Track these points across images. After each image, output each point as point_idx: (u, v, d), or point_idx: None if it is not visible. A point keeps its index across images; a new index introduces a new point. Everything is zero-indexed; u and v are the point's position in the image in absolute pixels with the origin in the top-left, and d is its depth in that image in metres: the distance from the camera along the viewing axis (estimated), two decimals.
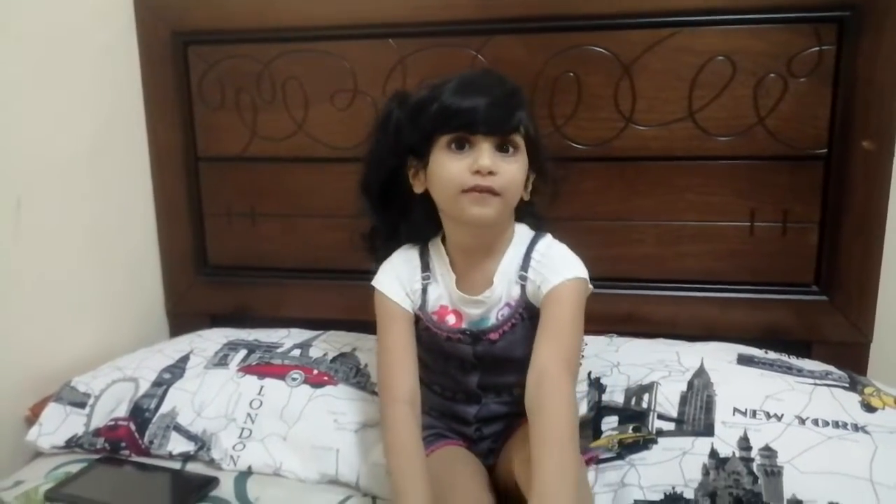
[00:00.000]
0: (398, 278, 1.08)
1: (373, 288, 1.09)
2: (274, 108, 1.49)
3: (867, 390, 1.12)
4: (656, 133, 1.35)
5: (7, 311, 1.29)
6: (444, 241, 1.09)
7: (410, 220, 1.10)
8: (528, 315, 1.05)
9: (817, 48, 1.28)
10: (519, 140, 1.01)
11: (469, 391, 1.10)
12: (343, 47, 1.45)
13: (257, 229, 1.57)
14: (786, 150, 1.31)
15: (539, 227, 1.10)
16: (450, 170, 0.99)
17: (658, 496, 1.00)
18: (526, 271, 1.05)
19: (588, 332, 1.31)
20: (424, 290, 1.08)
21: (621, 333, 1.37)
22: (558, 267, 1.02)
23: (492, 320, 1.06)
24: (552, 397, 0.90)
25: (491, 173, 0.97)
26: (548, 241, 1.07)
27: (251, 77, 1.49)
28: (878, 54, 1.25)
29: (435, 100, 1.00)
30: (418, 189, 1.06)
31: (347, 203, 1.46)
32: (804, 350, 1.33)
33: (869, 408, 1.08)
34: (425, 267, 1.09)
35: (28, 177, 1.31)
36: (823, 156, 1.31)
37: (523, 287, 1.05)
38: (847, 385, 1.13)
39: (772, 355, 1.24)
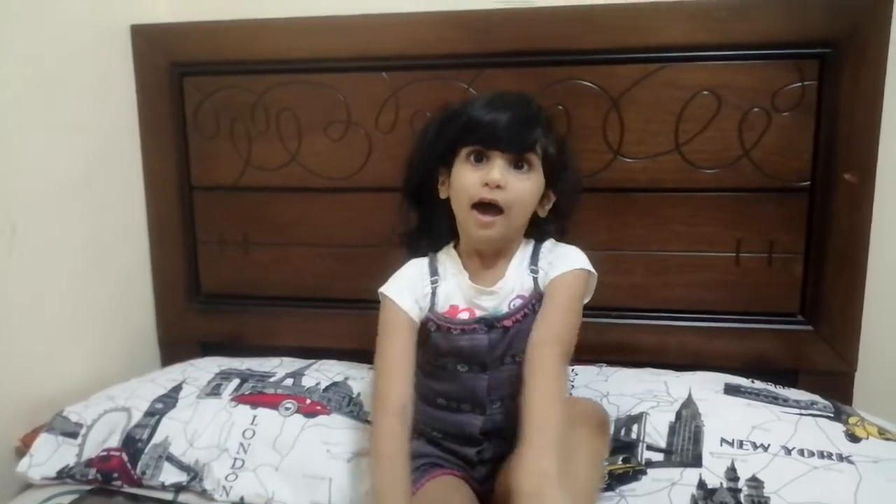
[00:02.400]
0: (409, 287, 1.12)
1: (380, 295, 1.11)
2: (267, 139, 1.51)
3: (851, 420, 1.14)
4: (644, 165, 1.38)
5: None
6: (455, 246, 1.16)
7: (433, 219, 1.17)
8: (540, 307, 1.09)
9: (800, 84, 1.31)
10: (534, 158, 1.07)
11: (475, 397, 1.10)
12: (336, 79, 1.47)
13: (250, 257, 1.58)
14: (771, 182, 1.34)
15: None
16: (465, 180, 1.07)
17: None
18: (536, 264, 1.11)
19: (579, 361, 1.37)
20: (434, 293, 1.12)
21: (611, 363, 1.39)
22: (564, 258, 1.11)
23: (504, 309, 1.10)
24: (540, 364, 0.99)
25: (499, 187, 1.03)
26: (553, 241, 1.15)
27: (245, 107, 1.51)
28: (858, 89, 1.29)
29: (463, 113, 1.08)
30: (443, 195, 1.13)
31: (339, 232, 1.51)
32: (790, 379, 1.35)
33: (853, 438, 1.09)
34: (434, 272, 1.14)
35: (22, 203, 1.31)
36: (807, 188, 1.34)
37: (535, 279, 1.11)
38: (832, 415, 1.15)
39: (758, 384, 1.26)
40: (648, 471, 1.08)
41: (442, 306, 1.11)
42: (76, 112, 1.43)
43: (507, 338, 1.08)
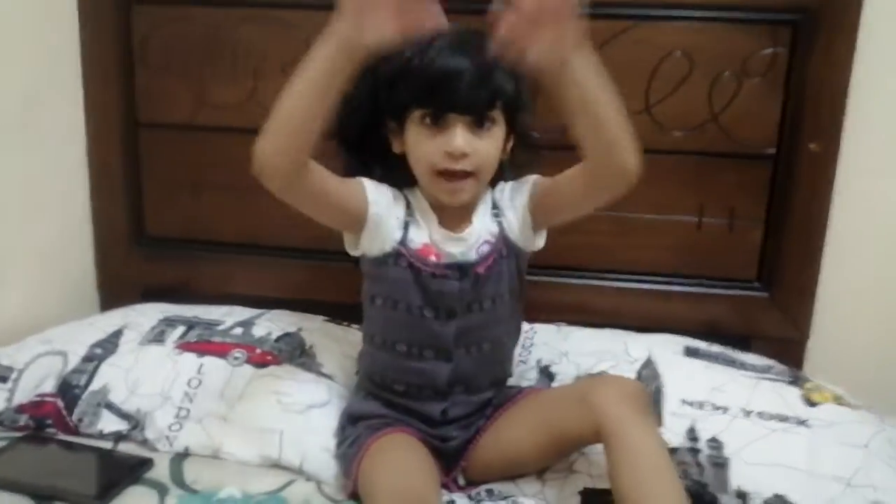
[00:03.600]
0: (387, 195, 1.04)
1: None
2: (223, 77, 1.42)
3: (808, 385, 1.15)
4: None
5: None
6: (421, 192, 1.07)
7: (387, 168, 1.07)
8: (507, 252, 1.06)
9: (771, 50, 1.30)
10: (496, 114, 0.99)
11: (441, 345, 1.05)
12: (302, 17, 1.38)
13: (201, 202, 1.50)
14: (736, 148, 1.33)
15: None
16: (423, 149, 0.99)
17: (607, 484, 1.00)
18: (498, 206, 1.07)
19: (537, 320, 1.35)
20: (406, 226, 1.05)
21: (570, 322, 1.37)
22: (516, 183, 1.08)
23: (473, 256, 1.04)
24: None
25: (464, 155, 0.96)
26: (501, 183, 1.09)
27: (200, 41, 1.42)
28: (830, 58, 1.28)
29: (410, 66, 0.97)
30: (397, 149, 1.05)
31: None
32: (743, 345, 1.35)
33: (810, 402, 1.11)
34: (407, 205, 1.06)
35: None
36: (772, 155, 1.34)
37: (500, 223, 1.06)
38: (789, 380, 1.17)
39: (715, 348, 1.26)
40: None
41: (414, 243, 1.04)
42: (11, 43, 1.32)
43: (477, 285, 1.04)
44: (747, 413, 1.07)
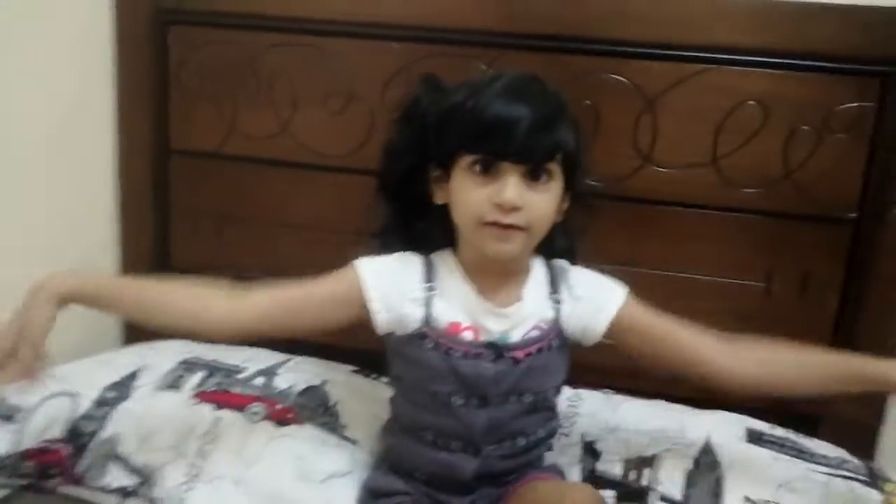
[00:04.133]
0: (387, 278, 0.94)
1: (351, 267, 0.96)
2: (257, 104, 1.36)
3: (888, 487, 1.04)
4: (675, 175, 1.25)
5: None
6: (453, 253, 0.97)
7: (425, 223, 0.97)
8: (558, 344, 0.95)
9: (857, 103, 1.18)
10: (554, 167, 0.88)
11: (470, 435, 0.94)
12: (341, 45, 1.32)
13: (225, 234, 1.43)
14: (813, 209, 1.22)
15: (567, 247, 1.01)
16: (470, 197, 0.88)
17: None
18: (557, 292, 0.96)
19: (584, 382, 1.24)
20: (428, 303, 0.94)
21: (620, 389, 1.26)
22: (598, 288, 0.98)
23: (516, 338, 0.93)
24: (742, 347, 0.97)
25: (515, 208, 0.85)
26: (564, 263, 0.99)
27: (235, 67, 1.36)
28: None
29: (462, 109, 0.87)
30: (439, 200, 0.94)
31: (329, 217, 1.36)
32: (811, 426, 1.23)
33: None
34: (428, 279, 0.95)
35: None
36: (853, 219, 1.21)
37: (557, 310, 0.95)
38: (866, 479, 1.05)
39: (779, 432, 1.15)
40: None
41: (440, 322, 0.94)
42: (47, 64, 1.28)
43: (516, 372, 0.93)
44: None
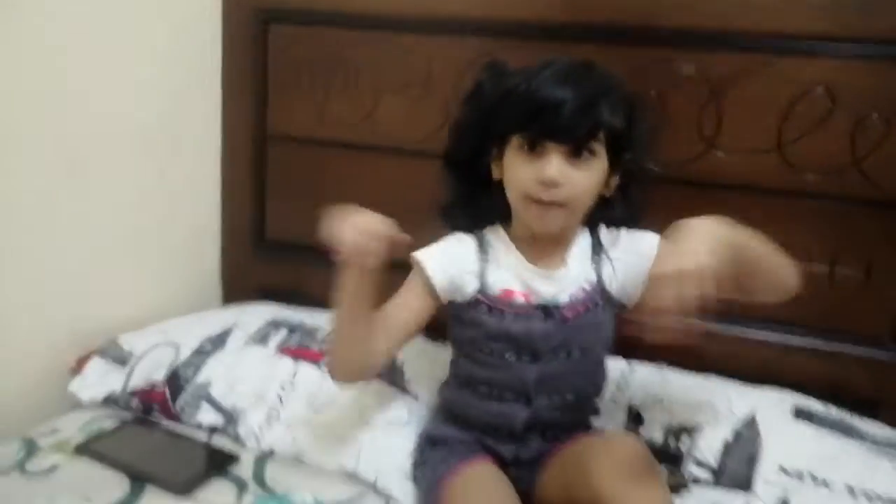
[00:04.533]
0: (448, 260, 1.04)
1: (412, 260, 1.05)
2: (345, 94, 1.48)
3: None
4: (738, 161, 1.27)
5: (66, 265, 1.32)
6: (505, 230, 1.06)
7: (486, 199, 1.06)
8: (603, 302, 1.02)
9: None
10: (596, 145, 0.95)
11: (522, 387, 1.02)
12: (421, 41, 1.42)
13: (316, 211, 1.56)
14: (879, 196, 1.21)
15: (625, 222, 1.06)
16: (518, 174, 0.97)
17: None
18: (599, 255, 1.03)
19: (638, 356, 1.29)
20: (483, 274, 1.03)
21: (673, 363, 1.29)
22: (640, 237, 1.03)
23: (564, 298, 1.01)
24: None
25: (556, 184, 0.93)
26: (604, 229, 1.06)
27: (326, 60, 1.48)
28: None
29: (515, 92, 0.96)
30: (496, 176, 1.04)
31: (405, 197, 1.45)
32: (871, 411, 1.22)
33: None
34: (483, 251, 1.05)
35: (99, 137, 1.34)
36: None
37: (599, 272, 1.02)
38: None
39: (834, 412, 1.15)
40: (694, 489, 1.00)
41: (494, 290, 1.02)
42: (161, 53, 1.44)
43: (564, 330, 1.00)
44: (853, 492, 0.96)
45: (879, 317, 1.25)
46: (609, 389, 1.23)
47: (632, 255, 1.01)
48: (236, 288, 1.65)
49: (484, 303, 1.02)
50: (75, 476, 1.07)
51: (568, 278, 1.02)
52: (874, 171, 1.21)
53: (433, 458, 1.07)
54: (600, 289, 1.02)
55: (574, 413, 1.06)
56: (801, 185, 1.24)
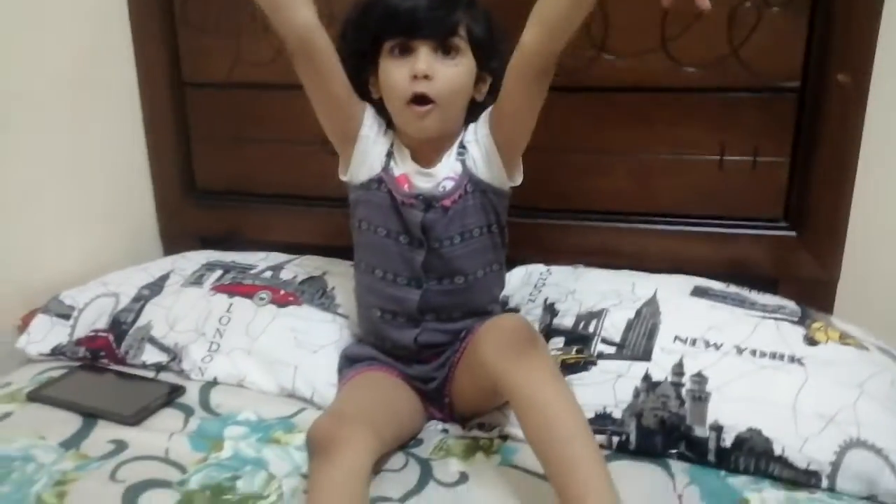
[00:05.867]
0: (379, 126, 1.12)
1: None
2: (254, 33, 1.50)
3: (815, 325, 1.12)
4: (628, 63, 1.33)
5: (3, 229, 1.36)
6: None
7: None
8: (473, 188, 1.10)
9: None
10: (460, 42, 1.03)
11: (413, 272, 1.12)
12: None
13: (243, 155, 1.60)
14: (758, 83, 1.29)
15: None
16: (393, 77, 1.04)
17: (589, 415, 1.02)
18: (463, 146, 1.11)
19: (558, 262, 1.37)
20: (389, 156, 1.12)
21: (589, 265, 1.38)
22: (480, 119, 1.11)
23: (438, 191, 1.10)
24: None
25: (427, 77, 1.01)
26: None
27: (231, 2, 1.50)
28: None
29: (377, 3, 1.04)
30: (375, 95, 1.11)
31: (321, 130, 1.51)
32: (771, 286, 1.33)
33: (811, 341, 1.08)
34: (392, 140, 1.13)
35: (14, 97, 1.36)
36: (797, 89, 1.28)
37: (463, 161, 1.10)
38: (796, 319, 1.14)
39: (732, 289, 1.24)
40: (599, 362, 1.09)
41: (394, 172, 1.11)
42: (65, 8, 1.45)
43: (445, 218, 1.09)
44: (740, 350, 1.06)
45: (771, 199, 1.34)
46: (528, 290, 1.33)
47: (479, 129, 1.10)
48: (174, 237, 1.70)
49: (385, 182, 1.11)
50: (29, 419, 1.13)
51: (440, 173, 1.10)
52: (751, 59, 1.28)
53: (348, 374, 1.17)
54: (468, 174, 1.10)
55: (466, 295, 1.14)
56: (686, 81, 1.32)
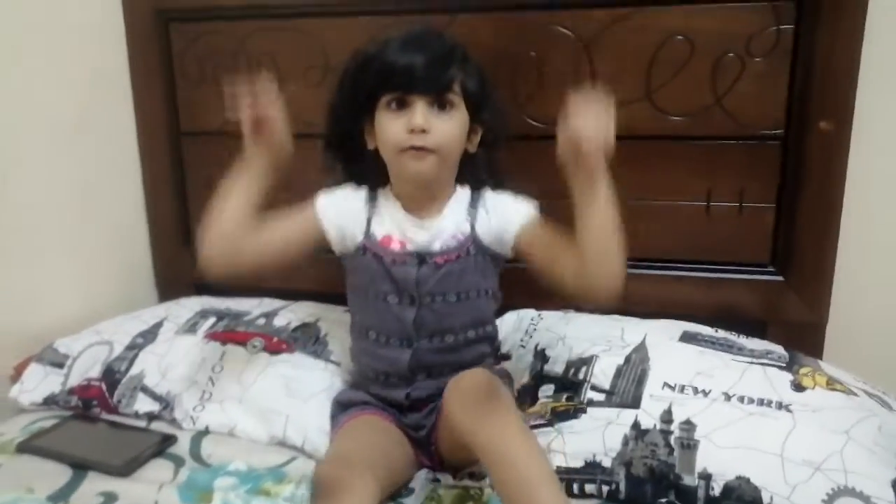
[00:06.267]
0: (340, 212, 1.15)
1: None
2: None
3: (802, 370, 1.13)
4: (615, 113, 1.36)
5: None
6: (390, 189, 1.17)
7: (365, 166, 1.17)
8: (476, 251, 1.12)
9: (775, 28, 1.27)
10: (454, 97, 1.07)
11: (404, 331, 1.13)
12: (316, 25, 1.48)
13: None
14: (743, 131, 1.32)
15: (491, 181, 1.17)
16: (389, 129, 1.07)
17: (579, 463, 1.04)
18: (475, 207, 1.13)
19: (547, 307, 1.38)
20: (369, 222, 1.14)
21: (578, 309, 1.39)
22: (507, 204, 1.14)
23: (436, 246, 1.12)
24: None
25: (424, 131, 1.04)
26: (486, 189, 1.17)
27: (227, 53, 1.54)
28: (837, 35, 1.24)
29: (376, 59, 1.07)
30: (370, 145, 1.14)
31: (315, 180, 1.53)
32: (760, 329, 1.34)
33: (798, 387, 1.09)
34: (372, 203, 1.16)
35: (15, 148, 1.38)
36: (780, 136, 1.31)
37: (472, 224, 1.12)
38: (784, 365, 1.14)
39: (720, 334, 1.25)
40: (589, 409, 1.10)
41: (377, 235, 1.13)
42: (67, 59, 1.48)
43: (437, 275, 1.10)
44: (728, 397, 1.06)
45: (757, 243, 1.36)
46: (519, 336, 1.34)
47: (506, 216, 1.13)
48: (170, 284, 1.71)
49: (369, 249, 1.13)
50: (18, 471, 1.12)
51: (441, 227, 1.12)
52: (735, 108, 1.31)
53: (342, 417, 1.17)
54: (473, 238, 1.12)
55: (457, 354, 1.15)
56: (672, 129, 1.34)
